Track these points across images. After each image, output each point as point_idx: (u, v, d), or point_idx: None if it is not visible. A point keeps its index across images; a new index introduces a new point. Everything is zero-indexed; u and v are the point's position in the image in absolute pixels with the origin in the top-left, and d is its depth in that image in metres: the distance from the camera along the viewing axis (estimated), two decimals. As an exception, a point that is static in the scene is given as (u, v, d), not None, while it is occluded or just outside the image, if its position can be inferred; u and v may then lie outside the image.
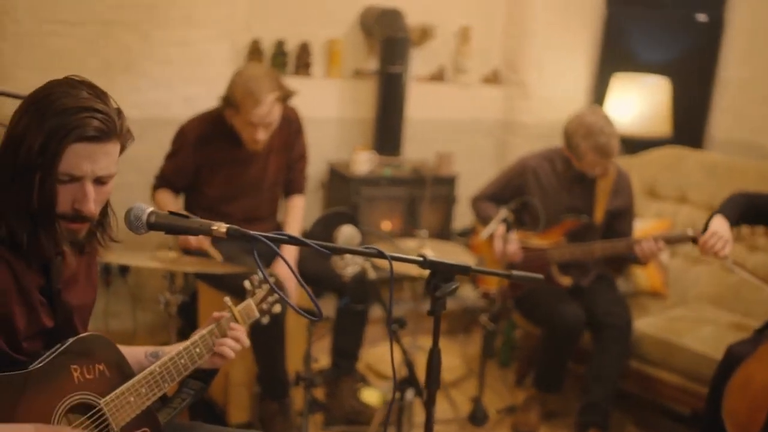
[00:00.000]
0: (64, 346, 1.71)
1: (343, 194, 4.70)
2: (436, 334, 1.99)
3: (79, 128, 1.59)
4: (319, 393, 3.71)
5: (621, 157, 4.13)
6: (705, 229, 3.01)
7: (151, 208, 1.63)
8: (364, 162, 4.69)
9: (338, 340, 3.68)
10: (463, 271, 1.94)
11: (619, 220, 3.83)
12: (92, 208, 1.65)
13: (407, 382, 3.08)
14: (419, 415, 3.55)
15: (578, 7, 5.42)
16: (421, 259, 1.85)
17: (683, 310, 4.01)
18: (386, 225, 4.88)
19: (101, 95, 1.67)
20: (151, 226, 1.61)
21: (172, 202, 3.47)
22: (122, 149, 1.72)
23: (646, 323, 3.79)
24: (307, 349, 2.98)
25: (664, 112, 5.00)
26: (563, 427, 3.87)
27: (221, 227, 1.56)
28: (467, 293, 4.81)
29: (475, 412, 3.73)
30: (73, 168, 1.61)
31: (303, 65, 4.79)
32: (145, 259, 2.93)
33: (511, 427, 3.82)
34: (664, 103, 5.00)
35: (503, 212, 3.58)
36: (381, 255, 1.76)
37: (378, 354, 4.33)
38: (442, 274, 1.88)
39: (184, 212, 1.62)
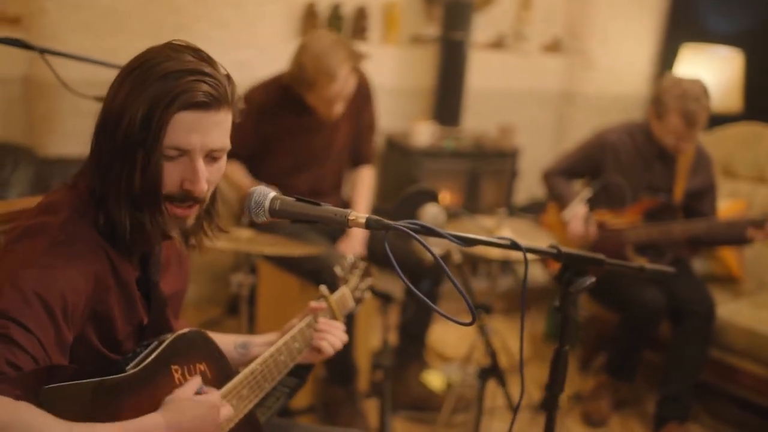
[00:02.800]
0: (164, 345, 1.52)
1: (403, 167, 4.49)
2: (564, 334, 1.83)
3: (185, 93, 1.38)
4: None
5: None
6: None
7: (273, 193, 1.43)
8: (424, 133, 4.47)
9: (407, 324, 3.50)
10: (597, 263, 1.78)
11: (700, 199, 3.62)
12: (203, 187, 1.45)
13: (489, 371, 2.90)
14: (497, 399, 3.39)
15: (644, -26, 5.18)
16: (554, 251, 1.68)
17: (766, 297, 3.80)
18: (454, 197, 4.67)
19: (208, 59, 1.47)
20: (275, 214, 1.41)
21: (243, 175, 3.27)
22: (234, 120, 1.51)
23: (729, 310, 3.59)
24: (386, 337, 2.79)
25: (736, 86, 4.75)
26: (635, 417, 3.69)
27: (359, 217, 1.36)
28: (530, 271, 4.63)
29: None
30: (180, 140, 1.41)
31: (359, 30, 4.57)
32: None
33: (581, 415, 3.64)
34: (735, 76, 4.74)
35: (586, 192, 3.37)
36: (516, 247, 1.57)
37: (440, 335, 4.14)
38: (575, 268, 1.72)
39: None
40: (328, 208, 1.38)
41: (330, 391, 3.25)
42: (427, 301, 1.33)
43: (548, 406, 1.81)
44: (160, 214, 1.45)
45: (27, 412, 1.21)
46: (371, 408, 3.30)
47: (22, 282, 1.29)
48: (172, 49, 1.45)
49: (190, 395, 1.49)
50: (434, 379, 3.63)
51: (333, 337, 1.89)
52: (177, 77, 1.39)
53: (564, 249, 1.68)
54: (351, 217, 1.36)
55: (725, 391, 3.69)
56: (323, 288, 1.95)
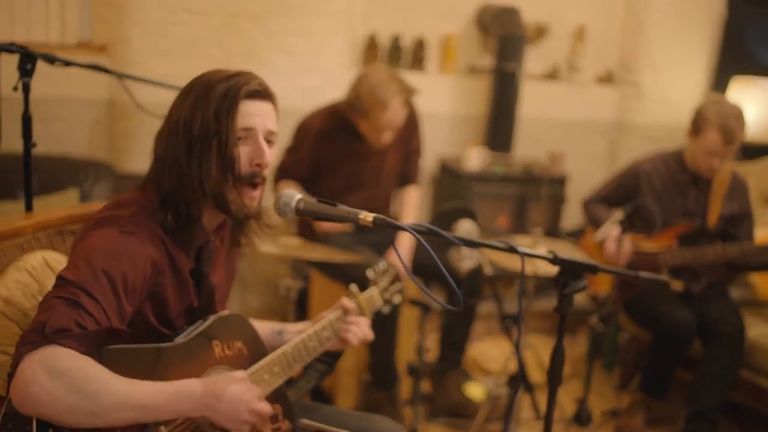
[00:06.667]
0: (207, 323, 1.80)
1: (454, 190, 4.73)
2: (561, 331, 2.00)
3: (246, 85, 1.73)
4: (425, 385, 3.75)
5: (738, 163, 4.03)
6: None
7: (299, 195, 1.70)
8: (475, 158, 4.71)
9: (447, 334, 3.72)
10: (591, 269, 1.96)
11: (736, 225, 3.74)
12: (268, 159, 1.77)
13: (518, 378, 3.10)
14: (524, 411, 3.57)
15: (697, 8, 5.32)
16: (551, 255, 1.87)
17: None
18: (502, 221, 4.89)
19: None
20: (300, 213, 1.68)
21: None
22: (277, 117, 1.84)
23: (760, 332, 3.71)
24: (420, 341, 3.02)
25: (785, 117, 4.87)
26: (667, 434, 3.83)
27: (368, 216, 1.61)
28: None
29: (580, 413, 3.70)
30: (247, 122, 1.74)
31: (418, 60, 4.84)
32: (266, 244, 3.02)
33: (615, 430, 3.79)
34: (784, 108, 4.86)
35: (618, 214, 3.55)
36: (513, 250, 1.78)
37: (482, 349, 4.35)
38: (570, 272, 1.91)
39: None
40: (343, 208, 1.65)
41: (372, 394, 3.49)
42: (415, 279, 1.57)
43: (549, 397, 2.01)
44: (237, 191, 1.76)
45: (88, 363, 1.48)
46: (410, 414, 3.51)
47: (93, 261, 1.57)
48: (220, 69, 1.80)
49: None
50: (475, 391, 3.83)
51: (358, 329, 2.14)
52: (234, 78, 1.74)
53: (559, 254, 1.87)
54: (361, 216, 1.62)
55: (757, 411, 3.79)
56: (353, 287, 2.21)
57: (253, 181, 1.77)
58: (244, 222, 1.90)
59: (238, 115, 1.72)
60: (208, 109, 1.70)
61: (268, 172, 1.80)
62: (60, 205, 3.63)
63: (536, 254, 1.87)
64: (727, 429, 3.77)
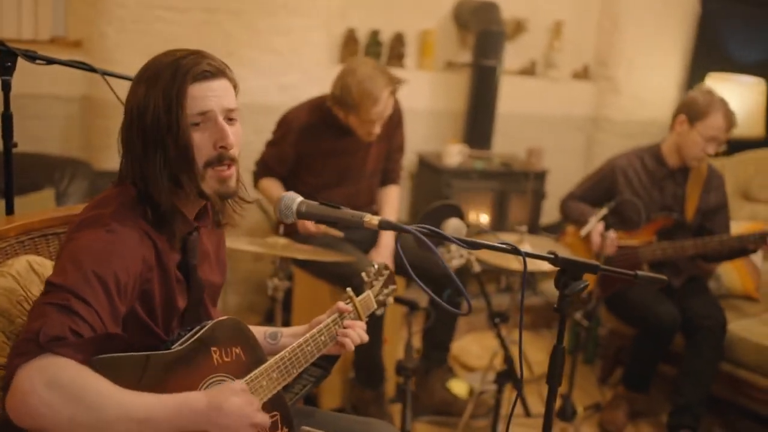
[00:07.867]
0: (205, 329, 1.75)
1: (433, 186, 4.71)
2: (561, 332, 1.99)
3: (192, 68, 1.64)
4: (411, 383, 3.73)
5: (714, 158, 4.06)
6: None
7: (300, 198, 1.66)
8: (455, 154, 4.70)
9: (431, 332, 3.70)
10: (592, 269, 1.95)
11: (713, 218, 3.78)
12: (232, 140, 1.68)
13: (505, 375, 3.09)
14: (510, 406, 3.56)
15: (673, 5, 5.38)
16: (552, 256, 1.86)
17: (777, 315, 3.94)
18: (474, 213, 4.88)
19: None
20: (301, 216, 1.64)
21: (279, 189, 3.51)
22: (236, 91, 1.75)
23: (740, 326, 3.74)
24: (409, 340, 3.01)
25: (758, 112, 4.93)
26: (649, 428, 3.85)
27: (373, 219, 1.59)
28: (551, 288, 4.79)
29: (564, 408, 3.70)
30: (200, 106, 1.65)
31: (396, 56, 4.82)
32: (245, 243, 2.97)
33: (598, 424, 3.81)
34: (758, 104, 4.91)
35: (603, 210, 3.56)
36: (515, 251, 1.77)
37: (464, 345, 4.34)
38: (571, 272, 1.89)
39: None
40: (347, 211, 1.62)
41: (359, 393, 3.47)
42: (419, 282, 1.55)
43: (548, 397, 2.00)
44: (200, 179, 1.68)
45: (88, 374, 1.43)
46: (396, 412, 3.50)
47: (82, 263, 1.52)
48: (169, 51, 1.72)
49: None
50: (459, 388, 3.82)
51: (354, 333, 2.11)
52: (181, 61, 1.65)
53: (560, 254, 1.86)
54: (366, 219, 1.59)
55: (738, 404, 3.82)
56: (349, 290, 2.18)
57: (222, 164, 1.70)
58: (222, 202, 1.80)
59: (190, 101, 1.63)
60: (158, 100, 1.62)
61: (237, 152, 1.72)
62: (37, 205, 3.57)
63: (537, 255, 1.85)
64: (706, 421, 3.80)
